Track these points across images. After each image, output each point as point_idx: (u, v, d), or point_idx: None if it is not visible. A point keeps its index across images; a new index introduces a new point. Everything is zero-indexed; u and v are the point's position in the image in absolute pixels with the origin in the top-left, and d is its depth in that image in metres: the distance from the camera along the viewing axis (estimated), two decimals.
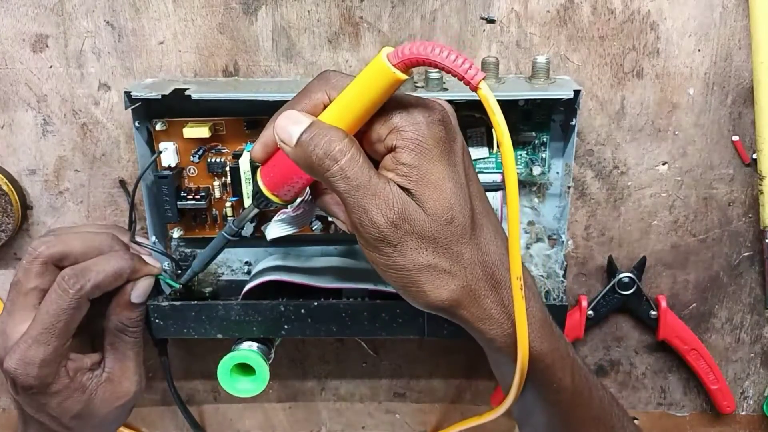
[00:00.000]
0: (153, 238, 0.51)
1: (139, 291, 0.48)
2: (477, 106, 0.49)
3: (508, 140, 0.32)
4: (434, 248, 0.34)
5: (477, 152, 0.50)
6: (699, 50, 0.51)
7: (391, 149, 0.34)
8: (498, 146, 0.33)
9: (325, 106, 0.36)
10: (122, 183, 0.54)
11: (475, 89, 0.32)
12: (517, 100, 0.49)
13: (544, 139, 0.50)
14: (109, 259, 0.46)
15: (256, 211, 0.40)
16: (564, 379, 0.40)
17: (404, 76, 0.32)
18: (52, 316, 0.44)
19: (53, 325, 0.44)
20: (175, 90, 0.47)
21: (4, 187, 0.53)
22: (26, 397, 0.45)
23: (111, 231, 0.49)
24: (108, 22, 0.51)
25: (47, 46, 0.52)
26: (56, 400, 0.45)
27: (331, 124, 0.34)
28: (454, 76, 0.32)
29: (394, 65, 0.32)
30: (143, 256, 0.49)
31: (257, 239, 0.51)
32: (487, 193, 0.49)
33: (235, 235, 0.42)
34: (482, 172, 0.51)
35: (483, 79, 0.32)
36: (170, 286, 0.50)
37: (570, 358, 0.40)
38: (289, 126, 0.34)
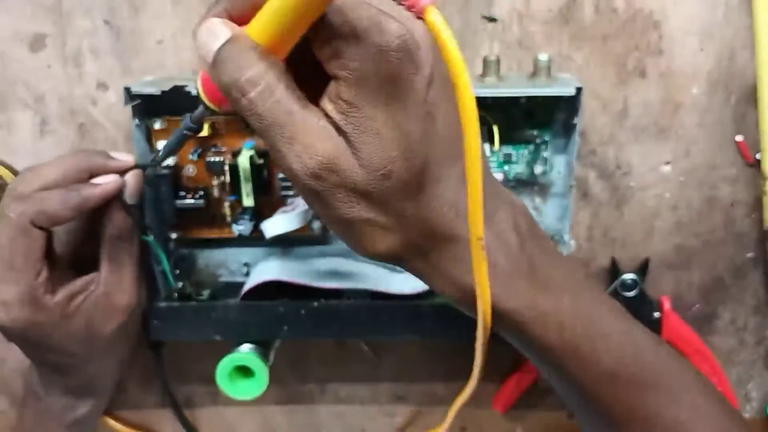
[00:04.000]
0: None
1: (130, 190, 0.46)
2: (478, 103, 0.49)
3: (466, 81, 0.26)
4: (369, 203, 0.29)
5: None
6: (702, 49, 0.50)
7: (335, 77, 0.28)
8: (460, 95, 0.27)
9: None
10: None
11: (421, 16, 0.27)
12: (519, 97, 0.48)
13: (546, 138, 0.50)
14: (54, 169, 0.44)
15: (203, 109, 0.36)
16: (547, 337, 0.34)
17: None
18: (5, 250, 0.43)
19: (11, 260, 0.42)
20: (175, 87, 0.46)
21: (9, 180, 0.53)
22: (23, 342, 0.45)
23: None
24: (106, 22, 0.51)
25: (45, 45, 0.51)
26: (58, 333, 0.45)
27: (252, 42, 0.28)
28: None
29: None
30: (112, 153, 0.47)
31: (256, 240, 0.51)
32: None
33: (193, 129, 0.39)
34: None
35: (432, 4, 0.26)
36: (167, 282, 0.50)
37: (557, 313, 0.34)
38: (206, 40, 0.29)
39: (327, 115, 0.29)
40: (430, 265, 0.32)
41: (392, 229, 0.30)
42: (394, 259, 0.32)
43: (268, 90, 0.28)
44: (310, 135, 0.28)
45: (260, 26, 0.28)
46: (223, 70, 0.28)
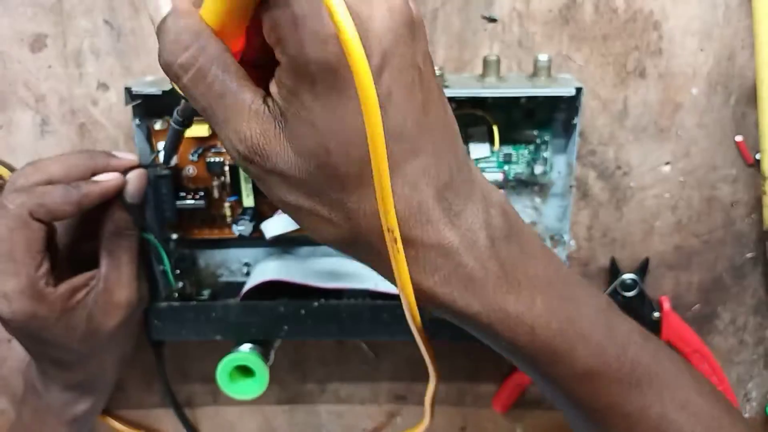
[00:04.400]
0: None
1: (131, 189, 0.46)
2: (479, 104, 0.49)
3: (359, 54, 0.24)
4: (305, 192, 0.29)
5: (478, 151, 0.50)
6: (702, 50, 0.50)
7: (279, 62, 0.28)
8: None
9: None
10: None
11: None
12: (519, 98, 0.48)
13: (546, 138, 0.50)
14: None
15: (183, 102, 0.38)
16: (516, 339, 0.32)
17: None
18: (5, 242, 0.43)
19: (10, 252, 0.43)
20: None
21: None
22: (24, 336, 0.45)
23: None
24: (107, 22, 0.51)
25: (46, 45, 0.51)
26: (59, 327, 0.45)
27: (191, 19, 0.28)
28: None
29: None
30: (115, 153, 0.47)
31: (256, 239, 0.51)
32: None
33: (181, 123, 0.40)
34: (483, 172, 0.50)
35: None
36: (167, 282, 0.50)
37: (529, 315, 0.32)
38: (152, 11, 0.28)
39: (272, 99, 0.28)
40: (384, 264, 0.30)
41: (335, 221, 0.30)
42: (345, 251, 0.31)
43: (200, 74, 0.27)
44: (240, 118, 0.28)
45: (208, 5, 0.28)
46: (161, 51, 0.28)
